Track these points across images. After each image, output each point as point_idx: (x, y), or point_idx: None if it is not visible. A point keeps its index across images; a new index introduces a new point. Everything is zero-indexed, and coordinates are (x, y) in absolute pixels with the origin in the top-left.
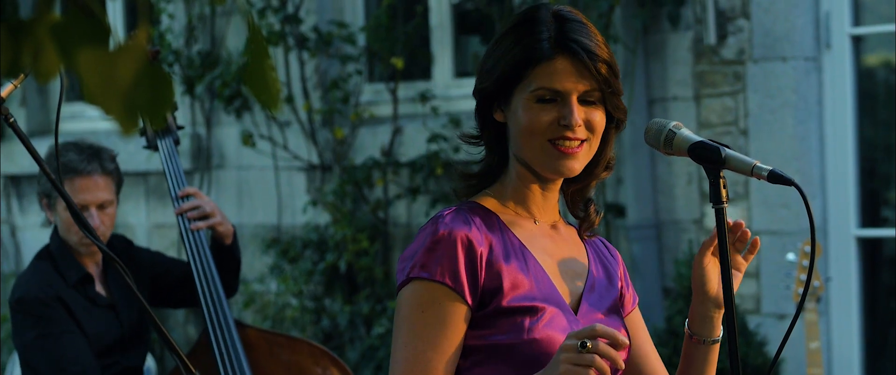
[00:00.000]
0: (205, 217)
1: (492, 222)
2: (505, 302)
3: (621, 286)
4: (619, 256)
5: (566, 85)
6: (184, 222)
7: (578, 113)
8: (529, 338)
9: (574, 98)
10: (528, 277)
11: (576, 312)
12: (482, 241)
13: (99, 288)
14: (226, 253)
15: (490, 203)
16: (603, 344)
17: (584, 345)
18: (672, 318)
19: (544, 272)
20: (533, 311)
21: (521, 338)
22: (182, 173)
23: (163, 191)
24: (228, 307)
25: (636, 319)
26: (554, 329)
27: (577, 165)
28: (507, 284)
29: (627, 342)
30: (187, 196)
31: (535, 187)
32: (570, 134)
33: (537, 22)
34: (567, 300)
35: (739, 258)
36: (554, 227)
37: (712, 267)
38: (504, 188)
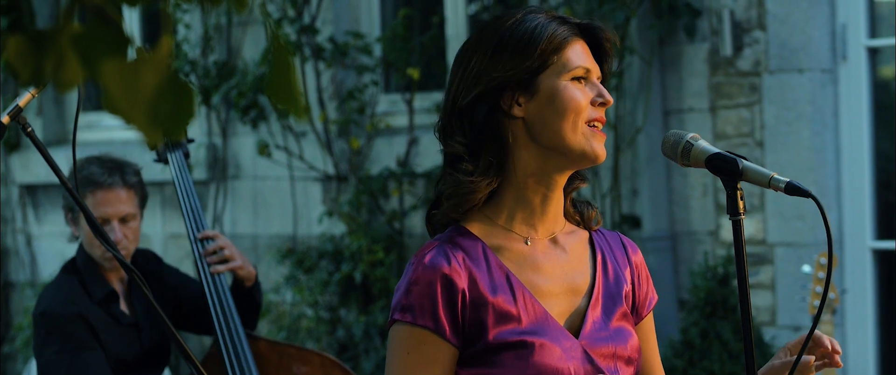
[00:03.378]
0: (224, 261)
1: (477, 251)
2: (491, 338)
3: (629, 291)
4: (638, 253)
5: (590, 64)
6: (197, 247)
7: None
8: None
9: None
10: (515, 308)
11: (578, 333)
12: (463, 277)
13: (123, 306)
14: (245, 295)
15: (476, 228)
16: None
17: None
18: (687, 330)
19: (533, 300)
20: (521, 346)
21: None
22: (192, 186)
23: (178, 202)
24: (239, 318)
25: (647, 327)
26: (546, 360)
27: (604, 149)
28: (491, 319)
29: None
30: (206, 239)
31: (537, 198)
32: (600, 115)
33: (537, 13)
34: (564, 322)
35: (812, 372)
36: (553, 241)
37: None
38: (498, 205)
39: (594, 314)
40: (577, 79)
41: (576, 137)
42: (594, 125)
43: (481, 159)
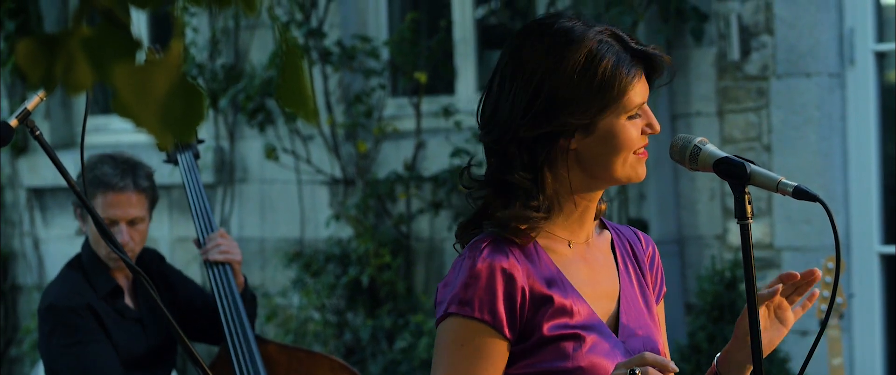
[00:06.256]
0: (225, 253)
1: (529, 248)
2: (546, 331)
3: (650, 280)
4: (651, 245)
5: (645, 96)
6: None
7: None
8: (574, 365)
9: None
10: (567, 303)
11: (616, 332)
12: (522, 273)
13: (128, 301)
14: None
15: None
16: (652, 371)
17: (632, 374)
18: (694, 334)
19: (581, 298)
20: (575, 338)
21: (566, 365)
22: (202, 188)
23: (186, 205)
24: (248, 321)
25: (658, 316)
26: (598, 354)
27: (645, 169)
28: (549, 313)
29: (676, 368)
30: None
31: (580, 209)
32: (646, 141)
33: (605, 38)
34: (606, 321)
35: (790, 314)
36: (588, 244)
37: (762, 320)
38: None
39: (627, 316)
40: (631, 117)
41: (624, 169)
42: (639, 152)
43: (542, 191)
